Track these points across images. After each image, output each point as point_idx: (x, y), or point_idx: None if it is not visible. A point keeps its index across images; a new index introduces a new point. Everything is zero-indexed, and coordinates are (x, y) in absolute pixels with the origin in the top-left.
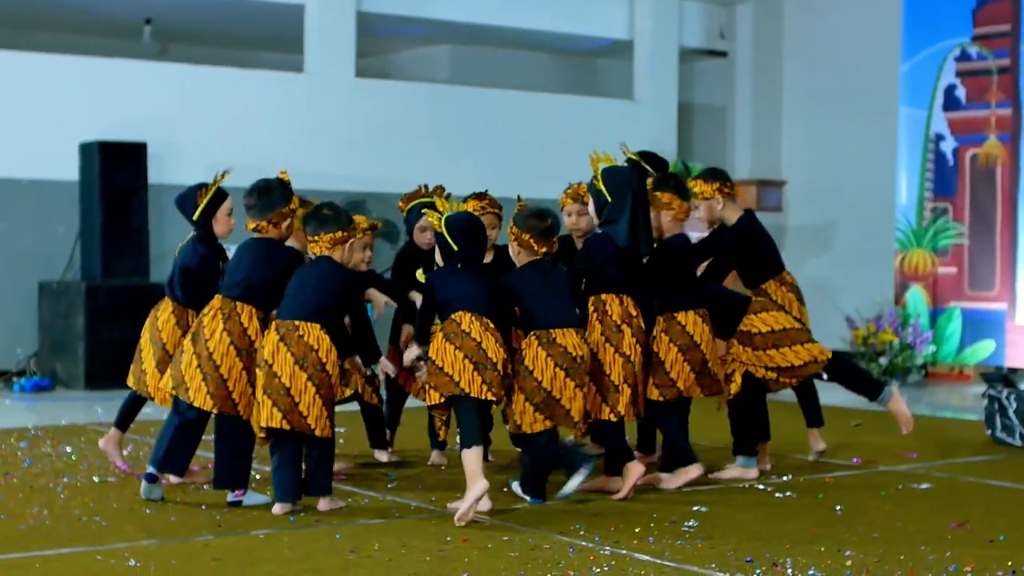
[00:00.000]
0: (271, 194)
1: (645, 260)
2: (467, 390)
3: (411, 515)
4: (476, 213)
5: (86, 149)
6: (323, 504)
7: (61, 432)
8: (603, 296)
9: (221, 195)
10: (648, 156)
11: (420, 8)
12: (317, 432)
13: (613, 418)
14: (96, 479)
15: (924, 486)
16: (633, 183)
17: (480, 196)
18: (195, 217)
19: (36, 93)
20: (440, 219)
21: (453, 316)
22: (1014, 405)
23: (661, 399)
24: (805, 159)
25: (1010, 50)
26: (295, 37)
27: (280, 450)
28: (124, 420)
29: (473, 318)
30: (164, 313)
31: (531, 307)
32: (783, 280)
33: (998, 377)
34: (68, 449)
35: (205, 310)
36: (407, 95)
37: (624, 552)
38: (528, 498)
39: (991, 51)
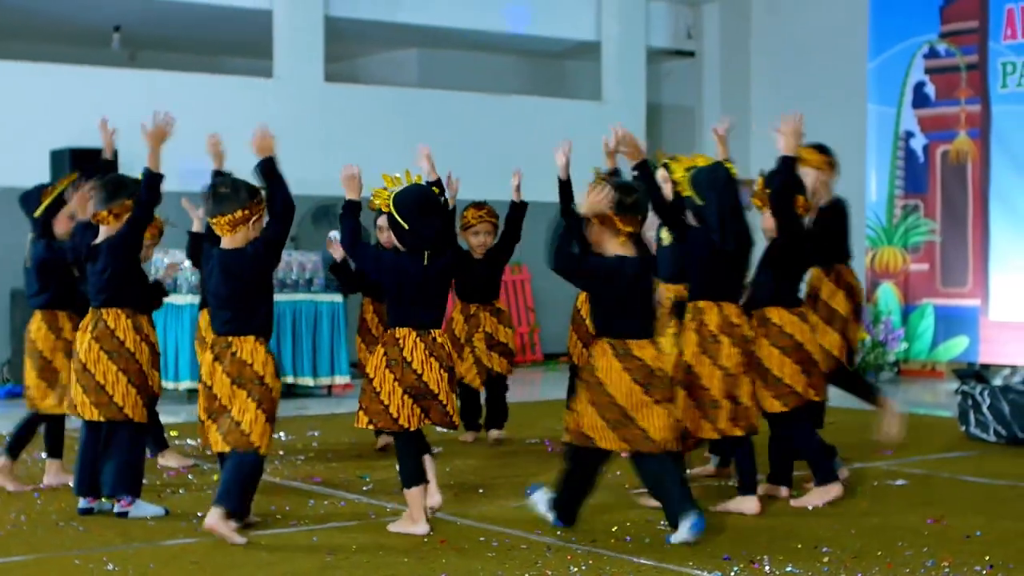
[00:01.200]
0: (118, 186)
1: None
2: (406, 425)
3: (387, 517)
4: (472, 221)
5: (57, 156)
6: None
7: (36, 439)
8: (700, 304)
9: (65, 197)
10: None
11: (388, 12)
12: (262, 450)
13: (716, 435)
14: (71, 484)
15: (899, 482)
16: (718, 181)
17: (479, 205)
18: (36, 214)
19: (6, 100)
20: (389, 197)
21: (397, 335)
22: (988, 401)
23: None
24: (774, 157)
25: (978, 46)
26: (264, 42)
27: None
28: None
29: (417, 339)
30: (34, 324)
31: (606, 309)
32: None
33: (971, 373)
34: (43, 455)
35: (80, 325)
36: (376, 99)
37: (601, 551)
38: (551, 518)
39: (959, 48)
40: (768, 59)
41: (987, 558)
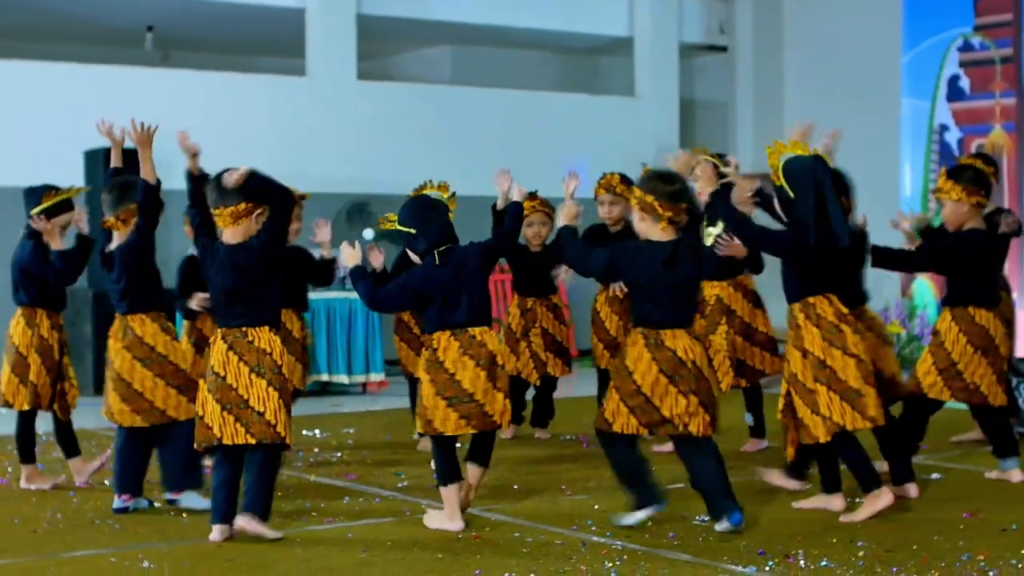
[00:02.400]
0: (124, 190)
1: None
2: (440, 429)
3: (422, 514)
4: (525, 212)
5: (91, 156)
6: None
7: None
8: (809, 300)
9: (66, 206)
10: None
11: (420, 10)
12: (288, 440)
13: (869, 424)
14: (108, 483)
15: (935, 476)
16: (817, 173)
17: (531, 196)
18: (34, 212)
19: (41, 102)
20: (396, 218)
21: (433, 339)
22: (1023, 395)
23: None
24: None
25: (1012, 39)
26: (296, 41)
27: (223, 468)
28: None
29: (450, 339)
30: (13, 320)
31: (641, 298)
32: None
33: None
34: (81, 456)
35: (110, 332)
36: (409, 97)
37: (636, 547)
38: (643, 515)
39: (993, 41)
40: (801, 53)
41: (1023, 552)
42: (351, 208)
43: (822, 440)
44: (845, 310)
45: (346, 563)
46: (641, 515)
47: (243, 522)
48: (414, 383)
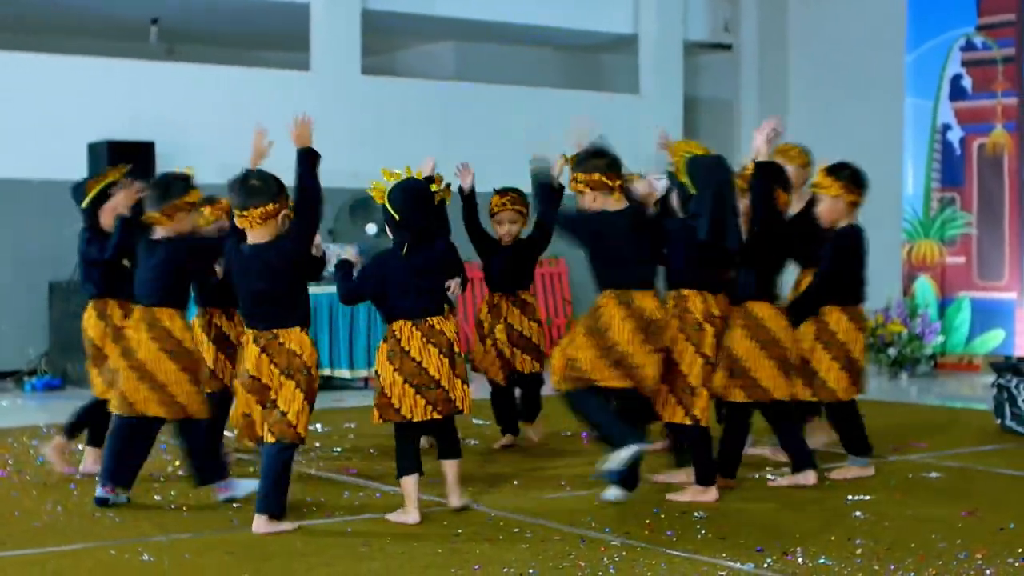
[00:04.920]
0: (167, 187)
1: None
2: (408, 416)
3: (421, 508)
4: (495, 209)
5: (94, 149)
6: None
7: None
8: (684, 291)
9: (110, 190)
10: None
11: (425, 5)
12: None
13: (689, 421)
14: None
15: (934, 475)
16: (719, 174)
17: (503, 192)
18: (83, 205)
19: (44, 94)
20: (385, 190)
21: (393, 328)
22: (1023, 394)
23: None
24: (811, 151)
25: (1015, 39)
26: (301, 36)
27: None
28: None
29: (413, 328)
30: (85, 313)
31: (606, 261)
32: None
33: (1007, 366)
34: (80, 447)
35: (128, 322)
36: (413, 92)
37: (634, 543)
38: (627, 453)
39: (996, 40)
40: (805, 52)
41: (1020, 550)
42: (354, 203)
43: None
44: (717, 312)
45: (346, 557)
46: (626, 454)
47: (259, 526)
48: None
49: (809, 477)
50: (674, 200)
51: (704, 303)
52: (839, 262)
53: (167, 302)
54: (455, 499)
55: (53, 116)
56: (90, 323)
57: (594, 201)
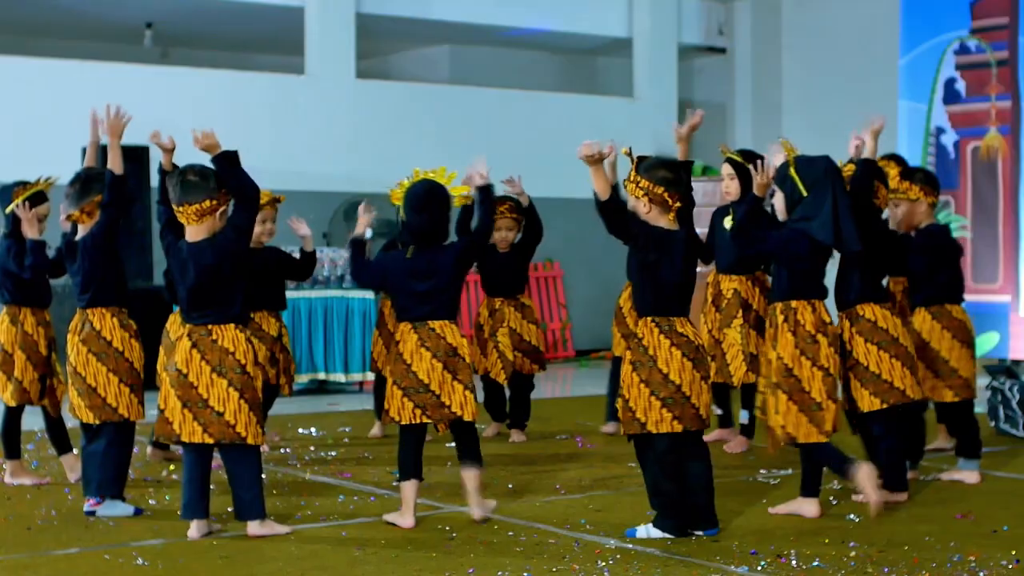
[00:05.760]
0: (86, 184)
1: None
2: (396, 418)
3: (417, 513)
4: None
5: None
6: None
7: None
8: (793, 303)
9: (39, 198)
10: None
11: (419, 9)
12: (249, 440)
13: (823, 439)
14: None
15: (928, 477)
16: (831, 174)
17: (500, 201)
18: (6, 212)
19: (38, 98)
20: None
21: (398, 330)
22: (1017, 397)
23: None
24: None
25: (1008, 43)
26: (295, 39)
27: (188, 464)
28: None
29: (410, 331)
30: None
31: (655, 285)
32: None
33: (1001, 369)
34: (74, 451)
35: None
36: (407, 96)
37: (629, 546)
38: (667, 534)
39: (989, 44)
40: (799, 55)
41: (1013, 553)
42: (348, 207)
43: (771, 450)
44: (828, 319)
45: (340, 561)
46: (673, 535)
47: (253, 530)
48: (382, 381)
49: (902, 496)
50: (778, 203)
51: (814, 313)
52: (934, 260)
53: (96, 302)
54: (476, 510)
55: (47, 120)
56: (1, 329)
57: (648, 212)
